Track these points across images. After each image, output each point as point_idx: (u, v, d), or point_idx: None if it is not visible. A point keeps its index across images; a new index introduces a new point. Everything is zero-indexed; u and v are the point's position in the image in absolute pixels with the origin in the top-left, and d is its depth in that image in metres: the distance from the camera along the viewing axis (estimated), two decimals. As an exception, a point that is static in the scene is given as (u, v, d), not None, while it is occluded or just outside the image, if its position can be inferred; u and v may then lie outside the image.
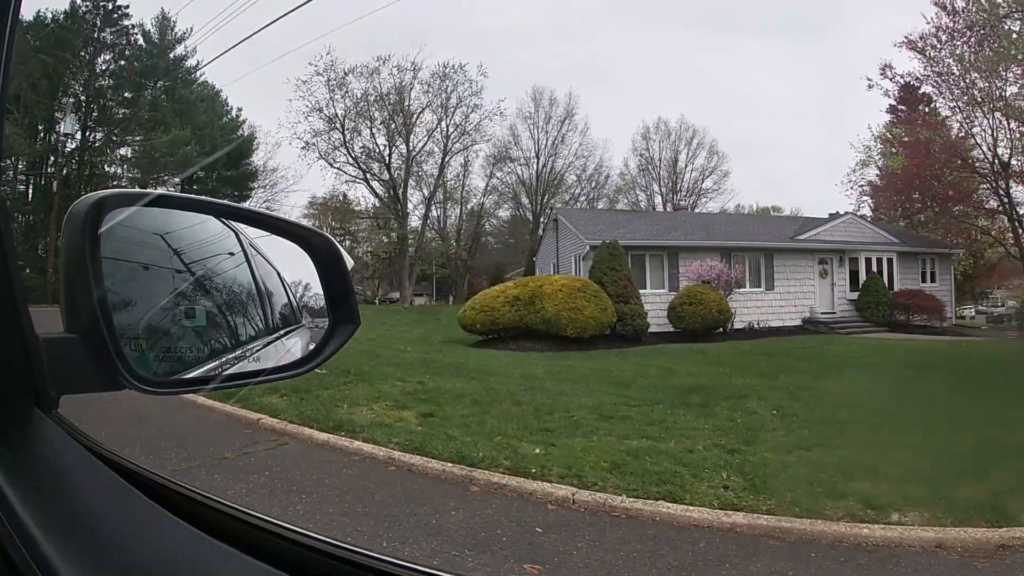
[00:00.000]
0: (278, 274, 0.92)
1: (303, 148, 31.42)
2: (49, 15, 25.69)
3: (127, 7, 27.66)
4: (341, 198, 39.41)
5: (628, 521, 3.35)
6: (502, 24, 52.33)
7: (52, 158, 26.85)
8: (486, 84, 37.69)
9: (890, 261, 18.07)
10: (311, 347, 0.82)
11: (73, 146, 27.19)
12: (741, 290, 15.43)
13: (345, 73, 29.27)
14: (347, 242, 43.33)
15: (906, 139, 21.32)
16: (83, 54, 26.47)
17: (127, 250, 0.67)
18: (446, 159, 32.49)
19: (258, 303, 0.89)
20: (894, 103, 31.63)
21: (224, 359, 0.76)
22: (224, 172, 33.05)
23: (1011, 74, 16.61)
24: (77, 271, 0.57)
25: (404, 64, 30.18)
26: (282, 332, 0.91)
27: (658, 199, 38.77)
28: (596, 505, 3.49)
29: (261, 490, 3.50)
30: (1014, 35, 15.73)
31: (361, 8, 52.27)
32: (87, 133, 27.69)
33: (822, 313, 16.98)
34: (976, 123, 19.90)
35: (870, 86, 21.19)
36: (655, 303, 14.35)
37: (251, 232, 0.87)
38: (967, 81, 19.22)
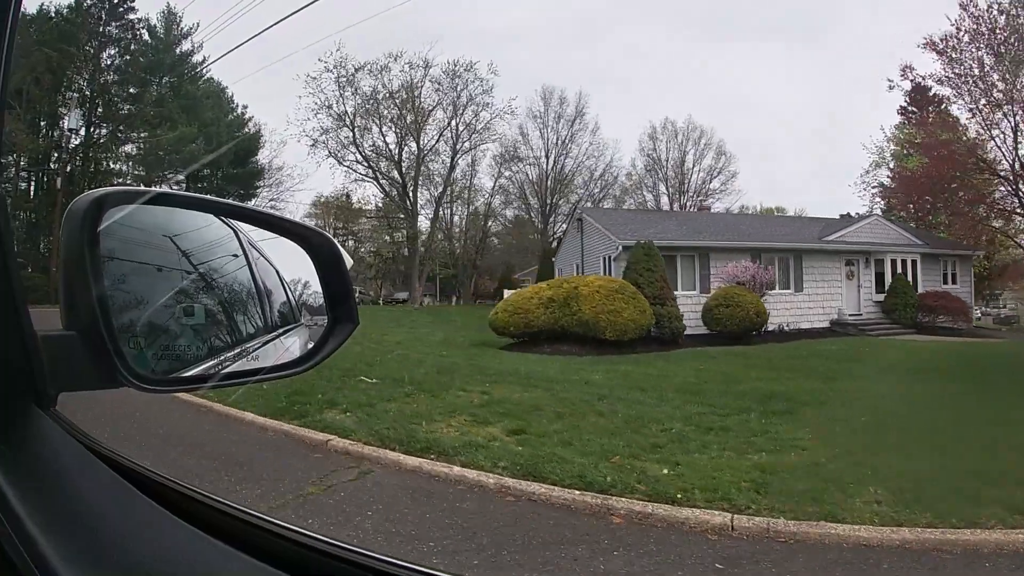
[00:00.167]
0: (277, 273, 0.91)
1: (311, 145, 30.74)
2: (53, 8, 24.91)
3: (133, 1, 26.86)
4: (344, 198, 38.70)
5: (798, 546, 3.13)
6: (503, 24, 51.86)
7: (56, 154, 26.00)
8: (494, 84, 37.06)
9: (914, 263, 17.89)
10: (310, 346, 0.81)
11: (77, 142, 26.33)
12: (771, 292, 15.08)
13: (356, 69, 28.66)
14: (350, 242, 42.70)
15: (925, 140, 21.07)
16: (88, 48, 25.64)
17: (126, 248, 0.66)
18: (455, 158, 31.93)
19: (257, 301, 0.88)
20: (905, 104, 31.45)
21: (223, 357, 0.75)
22: (230, 170, 32.33)
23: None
24: (76, 269, 0.57)
25: (416, 61, 29.53)
26: (281, 331, 0.90)
27: (664, 199, 38.44)
28: (759, 531, 3.24)
29: (375, 537, 3.06)
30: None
31: (369, 8, 51.49)
32: (91, 129, 26.86)
33: (849, 315, 16.68)
34: (996, 125, 19.64)
35: (891, 87, 20.95)
36: (687, 305, 14.00)
37: (251, 231, 0.86)
38: (987, 83, 18.98)
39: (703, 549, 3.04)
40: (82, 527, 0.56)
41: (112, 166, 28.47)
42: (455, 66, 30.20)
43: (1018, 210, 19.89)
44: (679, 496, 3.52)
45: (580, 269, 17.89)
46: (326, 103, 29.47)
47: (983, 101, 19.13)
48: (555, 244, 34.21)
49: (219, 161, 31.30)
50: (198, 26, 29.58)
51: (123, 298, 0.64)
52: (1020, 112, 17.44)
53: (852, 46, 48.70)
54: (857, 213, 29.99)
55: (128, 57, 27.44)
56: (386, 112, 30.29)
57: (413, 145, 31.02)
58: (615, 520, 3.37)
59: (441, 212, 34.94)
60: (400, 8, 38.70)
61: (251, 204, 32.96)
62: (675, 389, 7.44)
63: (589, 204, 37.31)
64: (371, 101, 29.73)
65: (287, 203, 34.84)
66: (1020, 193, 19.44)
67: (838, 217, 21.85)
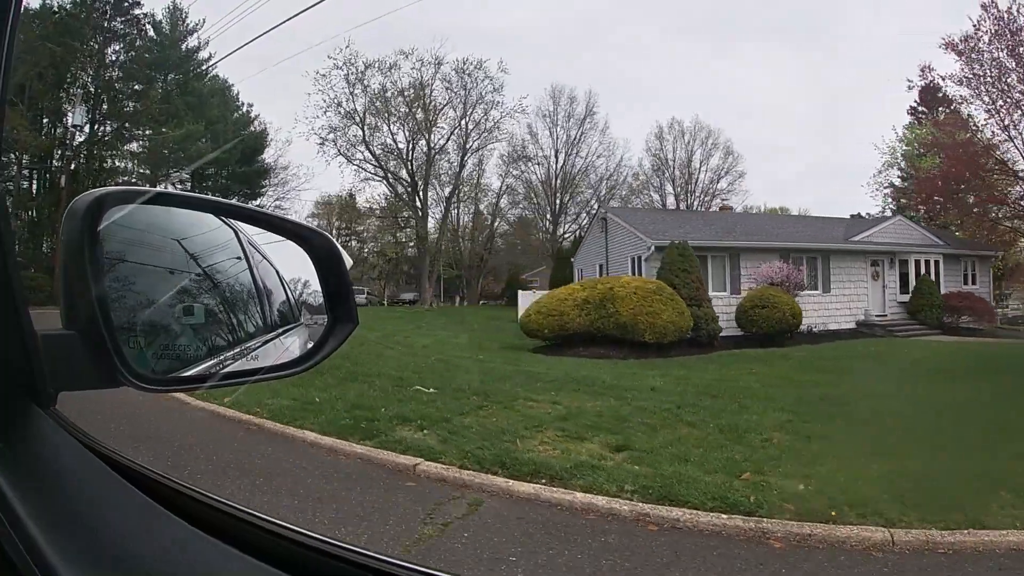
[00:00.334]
0: (277, 272, 0.90)
1: (320, 144, 30.16)
2: (56, 3, 24.14)
3: (138, -5, 26.16)
4: (347, 197, 38.16)
5: (958, 556, 3.04)
6: (506, 25, 51.47)
7: (59, 152, 25.27)
8: (504, 82, 36.60)
9: (936, 263, 17.76)
10: (309, 345, 0.81)
11: (81, 139, 25.61)
12: (800, 292, 14.80)
13: (366, 66, 28.11)
14: (353, 242, 42.15)
15: (942, 140, 20.94)
16: (92, 44, 24.92)
17: (126, 248, 0.67)
18: (465, 157, 31.44)
19: (256, 301, 0.87)
20: (915, 104, 31.39)
21: (222, 357, 0.75)
22: (237, 168, 31.62)
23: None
24: (76, 268, 0.57)
25: (427, 58, 29.02)
26: (280, 330, 0.89)
27: (671, 200, 38.19)
28: (919, 544, 3.12)
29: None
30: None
31: (375, 9, 50.94)
32: (95, 126, 26.14)
33: (875, 316, 16.44)
34: (1015, 126, 19.53)
35: (910, 87, 20.83)
36: (718, 306, 13.81)
37: (250, 230, 0.85)
38: (1007, 83, 18.84)
39: (878, 568, 2.93)
40: (82, 526, 0.56)
41: (117, 164, 27.73)
42: (464, 64, 29.73)
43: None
44: (833, 513, 3.34)
45: (604, 270, 17.57)
46: (335, 100, 28.93)
47: (1000, 102, 19.01)
48: (565, 244, 33.85)
49: (226, 160, 30.62)
50: (204, 22, 28.90)
51: (123, 297, 0.64)
52: None
53: (854, 46, 48.70)
54: (869, 214, 29.76)
55: (133, 53, 26.68)
56: (395, 110, 29.75)
57: (423, 144, 30.52)
58: (775, 544, 3.16)
59: (450, 212, 34.44)
60: (407, 9, 38.26)
61: (254, 204, 32.39)
62: (746, 395, 7.12)
63: (595, 204, 36.93)
64: (380, 99, 29.19)
65: (293, 203, 34.29)
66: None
67: (848, 217, 21.57)
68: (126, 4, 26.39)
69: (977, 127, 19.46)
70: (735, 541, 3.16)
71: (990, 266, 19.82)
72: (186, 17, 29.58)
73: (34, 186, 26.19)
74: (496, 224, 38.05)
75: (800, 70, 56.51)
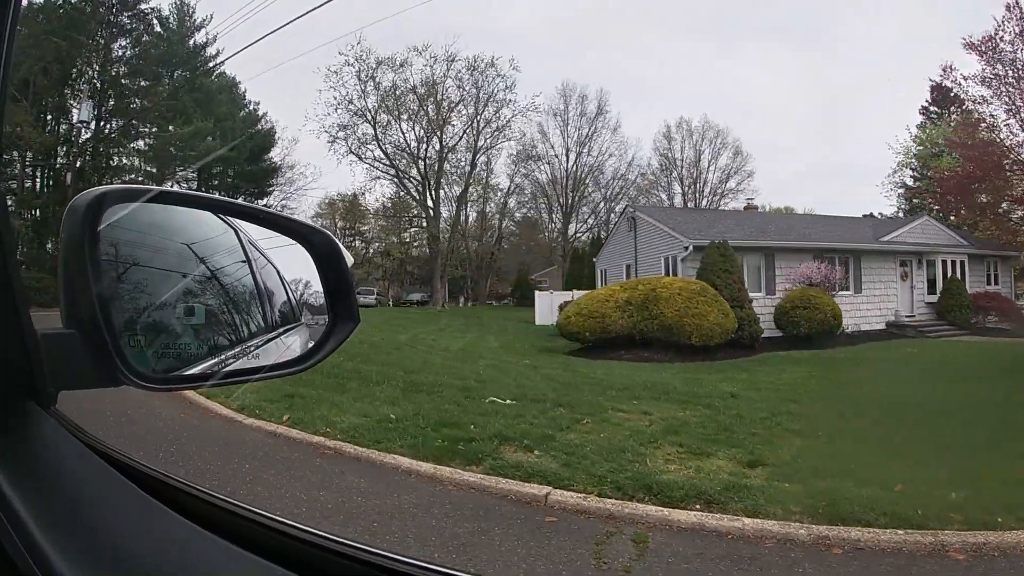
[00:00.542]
0: (278, 271, 0.89)
1: (331, 142, 29.62)
2: (61, -4, 23.42)
3: (144, -10, 25.48)
4: (351, 197, 37.68)
5: None
6: (510, 25, 51.06)
7: (64, 148, 24.57)
8: (515, 80, 36.15)
9: (962, 263, 17.70)
10: (310, 344, 0.80)
11: (87, 136, 24.92)
12: (834, 292, 14.57)
13: (378, 62, 27.63)
14: (357, 242, 41.64)
15: (961, 140, 20.88)
16: (99, 38, 24.24)
17: (127, 246, 0.66)
18: (476, 156, 31.02)
19: (258, 300, 0.86)
20: (926, 104, 31.42)
21: (223, 356, 0.74)
22: (245, 167, 31.00)
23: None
24: (76, 267, 0.57)
25: (440, 54, 28.59)
26: (281, 329, 0.88)
27: (678, 199, 38.02)
28: None
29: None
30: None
31: (383, 9, 50.35)
32: (101, 123, 25.45)
33: (905, 316, 16.25)
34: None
35: (933, 86, 20.72)
36: (755, 307, 13.33)
37: (251, 229, 0.85)
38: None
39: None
40: (82, 525, 0.56)
41: (124, 161, 26.98)
42: (475, 61, 29.33)
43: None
44: (999, 520, 3.20)
45: (633, 270, 17.24)
46: (347, 97, 28.43)
47: (1019, 101, 18.96)
48: (576, 244, 33.51)
49: (234, 158, 29.98)
50: (211, 18, 28.26)
51: (124, 296, 0.64)
52: None
53: (854, 46, 48.82)
54: (882, 214, 29.63)
55: (139, 49, 25.99)
56: (407, 107, 29.27)
57: (435, 142, 30.06)
58: (958, 556, 2.98)
59: (462, 211, 34.00)
60: (414, 10, 37.75)
61: (261, 203, 31.72)
62: (830, 400, 6.85)
63: (603, 204, 36.55)
64: (391, 97, 28.71)
65: (299, 202, 33.71)
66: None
67: (874, 217, 21.41)
68: (132, -1, 25.70)
69: (996, 127, 19.37)
70: (919, 557, 2.99)
71: (1011, 266, 19.78)
72: (193, 13, 29.01)
73: (37, 184, 25.44)
74: (504, 224, 37.71)
75: (800, 70, 56.63)
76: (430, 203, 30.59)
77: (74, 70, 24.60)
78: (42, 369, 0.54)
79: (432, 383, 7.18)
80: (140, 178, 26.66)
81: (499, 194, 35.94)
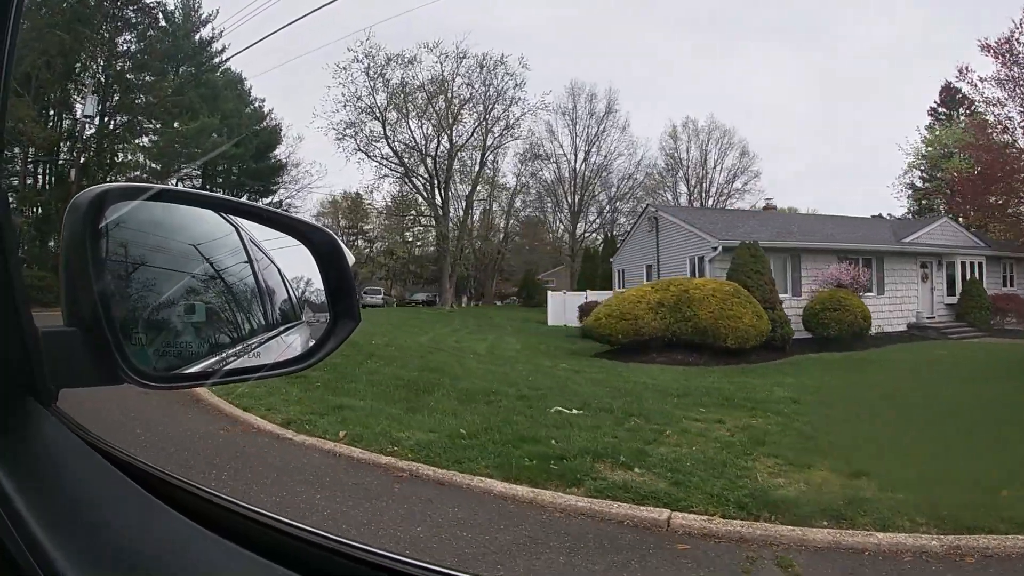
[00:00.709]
0: (278, 270, 0.89)
1: (339, 139, 29.29)
2: (65, -11, 22.95)
3: (150, -17, 25.01)
4: (354, 196, 37.37)
5: None
6: (514, 25, 50.80)
7: (69, 144, 24.08)
8: (525, 79, 35.84)
9: (980, 265, 17.75)
10: (311, 343, 0.81)
11: (91, 131, 24.43)
12: (861, 294, 14.54)
13: (388, 59, 27.33)
14: (359, 241, 41.31)
15: (976, 142, 20.91)
16: (103, 32, 23.77)
17: (128, 244, 0.67)
18: (485, 155, 30.80)
19: (259, 298, 0.86)
20: (934, 105, 31.56)
21: (224, 354, 0.75)
22: (251, 164, 30.59)
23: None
24: (78, 264, 0.57)
25: (451, 51, 28.33)
26: (282, 328, 0.88)
27: (684, 199, 37.97)
28: None
29: None
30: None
31: (390, 8, 49.93)
32: (105, 119, 24.99)
33: (926, 317, 16.26)
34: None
35: (948, 87, 20.77)
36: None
37: (252, 227, 0.84)
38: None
39: None
40: (84, 524, 0.56)
41: (128, 158, 26.51)
42: (485, 59, 29.10)
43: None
44: None
45: (655, 271, 17.10)
46: (356, 94, 28.12)
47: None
48: (585, 244, 33.38)
49: (240, 155, 29.58)
50: (217, 12, 27.81)
51: (124, 294, 0.65)
52: None
53: (854, 46, 48.97)
54: (890, 214, 29.69)
55: (144, 43, 25.52)
56: (416, 104, 29.00)
57: (444, 140, 29.81)
58: None
59: (470, 210, 33.77)
60: (422, 9, 37.46)
61: (265, 201, 31.28)
62: (888, 404, 6.78)
63: (605, 203, 36.40)
64: (399, 94, 28.43)
65: (304, 201, 33.36)
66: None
67: (892, 218, 21.42)
68: (138, -9, 25.20)
69: (1012, 129, 19.41)
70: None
71: (1024, 268, 19.91)
72: (199, 7, 28.52)
73: (40, 181, 24.94)
74: (510, 223, 37.53)
75: (800, 70, 56.80)
76: (439, 202, 30.41)
77: (78, 64, 24.21)
78: (43, 367, 0.55)
79: (484, 390, 6.92)
80: (145, 175, 26.23)
81: (506, 193, 35.83)
